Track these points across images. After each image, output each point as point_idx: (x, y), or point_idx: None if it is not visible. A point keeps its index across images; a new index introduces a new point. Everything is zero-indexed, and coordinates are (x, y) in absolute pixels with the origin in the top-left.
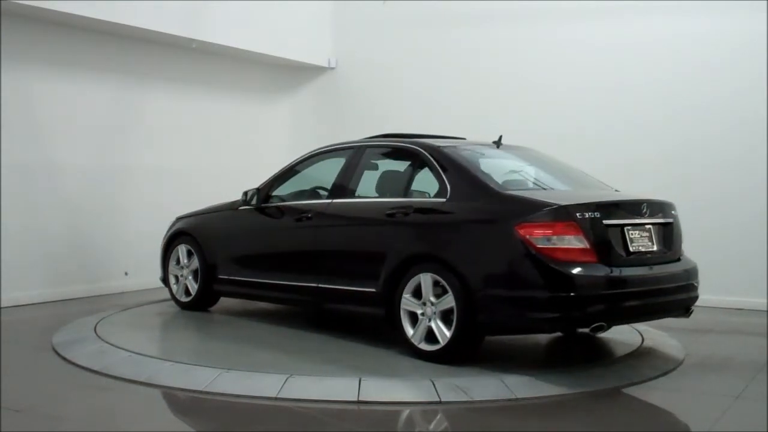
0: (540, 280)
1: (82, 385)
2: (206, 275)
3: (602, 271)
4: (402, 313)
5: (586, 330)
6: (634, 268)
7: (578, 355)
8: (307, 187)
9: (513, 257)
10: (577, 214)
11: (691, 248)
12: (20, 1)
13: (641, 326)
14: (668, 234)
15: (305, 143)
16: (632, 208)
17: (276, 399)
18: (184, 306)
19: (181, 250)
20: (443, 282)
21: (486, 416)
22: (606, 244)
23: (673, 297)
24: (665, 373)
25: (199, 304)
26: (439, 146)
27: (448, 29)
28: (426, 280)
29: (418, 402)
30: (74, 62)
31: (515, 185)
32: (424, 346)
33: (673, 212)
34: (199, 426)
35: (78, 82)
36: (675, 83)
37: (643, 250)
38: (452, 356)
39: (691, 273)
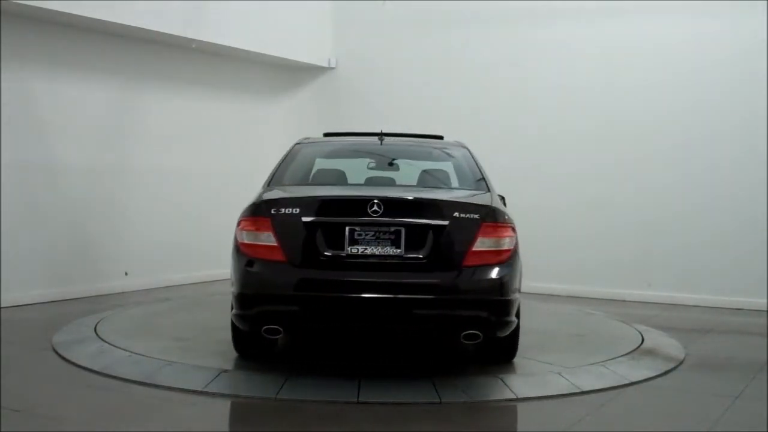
0: (234, 277)
1: (82, 385)
2: None
3: (280, 270)
4: None
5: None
6: (336, 272)
7: (578, 355)
8: None
9: (232, 254)
10: (272, 211)
11: (691, 248)
12: (20, 1)
13: (641, 326)
14: (433, 238)
15: None
16: (356, 206)
17: (276, 399)
18: None
19: None
20: None
21: (486, 416)
22: (301, 243)
23: (410, 311)
24: (665, 373)
25: None
26: (299, 142)
27: (448, 29)
28: None
29: (418, 402)
30: (74, 62)
31: (314, 181)
32: None
33: (457, 215)
34: (199, 426)
35: (78, 82)
36: (675, 84)
37: (368, 252)
38: None
39: (469, 288)
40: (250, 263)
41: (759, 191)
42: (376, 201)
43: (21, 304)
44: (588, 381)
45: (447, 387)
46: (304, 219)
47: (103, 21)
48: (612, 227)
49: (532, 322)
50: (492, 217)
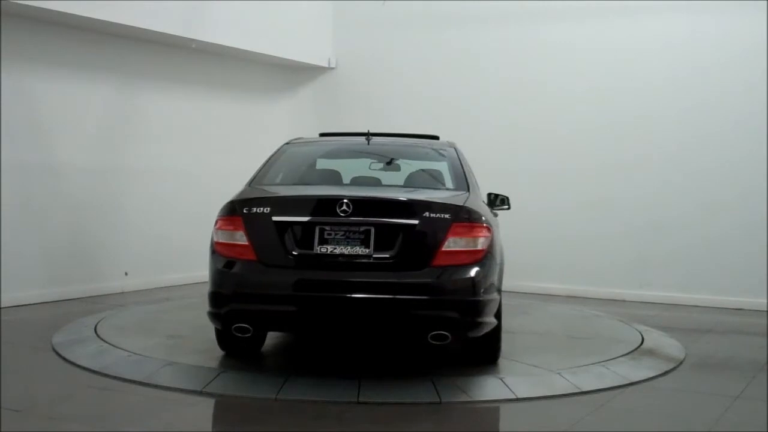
0: (210, 274)
1: (82, 385)
2: None
3: (249, 269)
4: None
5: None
6: (303, 271)
7: (578, 355)
8: None
9: (209, 252)
10: (244, 210)
11: (691, 248)
12: (20, 1)
13: (641, 326)
14: (403, 237)
15: None
16: (326, 205)
17: (276, 399)
18: None
19: None
20: None
21: (486, 416)
22: (271, 242)
23: (375, 310)
24: (665, 373)
25: None
26: (289, 141)
27: (448, 29)
28: None
29: (418, 402)
30: (74, 62)
31: (299, 181)
32: None
33: (427, 214)
34: (199, 426)
35: (78, 82)
36: (675, 84)
37: (336, 252)
38: None
39: (435, 288)
40: (222, 262)
41: (759, 191)
42: (345, 201)
43: (21, 304)
44: (588, 381)
45: (447, 387)
46: (275, 218)
47: (103, 21)
48: (612, 227)
49: (532, 322)
50: (464, 217)
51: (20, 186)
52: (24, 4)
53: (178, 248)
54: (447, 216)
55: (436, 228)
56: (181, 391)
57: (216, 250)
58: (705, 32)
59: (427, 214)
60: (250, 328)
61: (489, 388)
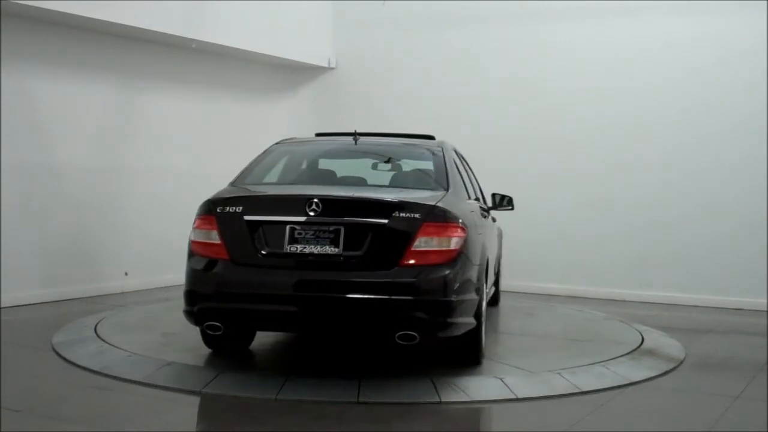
0: (185, 273)
1: (82, 385)
2: None
3: (220, 268)
4: None
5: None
6: (272, 270)
7: (578, 355)
8: None
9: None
10: (218, 209)
11: (691, 248)
12: (20, 1)
13: (641, 326)
14: (372, 237)
15: None
16: (296, 205)
17: (276, 399)
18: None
19: None
20: None
21: (486, 416)
22: (243, 241)
23: (342, 309)
24: (665, 373)
25: None
26: (279, 141)
27: (448, 29)
28: None
29: (418, 402)
30: (74, 62)
31: (282, 180)
32: None
33: (396, 214)
34: (199, 426)
35: (78, 82)
36: (675, 84)
37: (306, 251)
38: None
39: (401, 287)
40: (196, 261)
41: (759, 191)
42: (315, 200)
43: (21, 304)
44: (588, 381)
45: (447, 387)
46: (246, 218)
47: (103, 21)
48: (612, 227)
49: (531, 322)
50: (435, 217)
51: (20, 186)
52: (24, 4)
53: (178, 248)
54: (417, 216)
55: (406, 227)
56: (181, 391)
57: (192, 249)
58: (705, 32)
59: (396, 213)
60: (221, 326)
61: (489, 388)
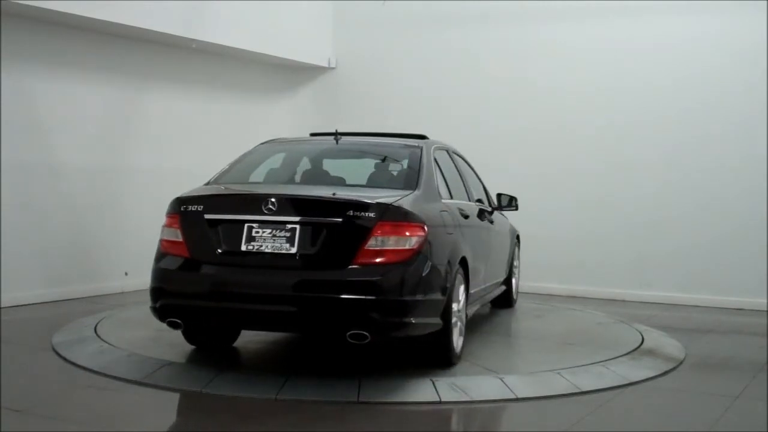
0: (152, 269)
1: (82, 385)
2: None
3: (180, 266)
4: None
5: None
6: (227, 268)
7: (578, 355)
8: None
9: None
10: (182, 208)
11: (691, 248)
12: (20, 1)
13: (641, 326)
14: (326, 236)
15: None
16: (253, 204)
17: (276, 399)
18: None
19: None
20: None
21: (486, 416)
22: (203, 240)
23: (294, 307)
24: (665, 373)
25: None
26: (264, 141)
27: (448, 29)
28: None
29: (418, 402)
30: (74, 62)
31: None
32: None
33: (351, 213)
34: (199, 426)
35: (78, 82)
36: (675, 84)
37: (262, 250)
38: None
39: (351, 286)
40: (160, 258)
41: (759, 191)
42: (271, 199)
43: (21, 304)
44: (588, 381)
45: (447, 387)
46: (207, 216)
47: (103, 21)
48: (612, 227)
49: (531, 322)
50: (391, 216)
51: (20, 186)
52: (24, 4)
53: None
54: (372, 215)
55: (360, 226)
56: (182, 391)
57: (159, 246)
58: (705, 32)
59: (351, 212)
60: (181, 323)
61: (489, 388)
